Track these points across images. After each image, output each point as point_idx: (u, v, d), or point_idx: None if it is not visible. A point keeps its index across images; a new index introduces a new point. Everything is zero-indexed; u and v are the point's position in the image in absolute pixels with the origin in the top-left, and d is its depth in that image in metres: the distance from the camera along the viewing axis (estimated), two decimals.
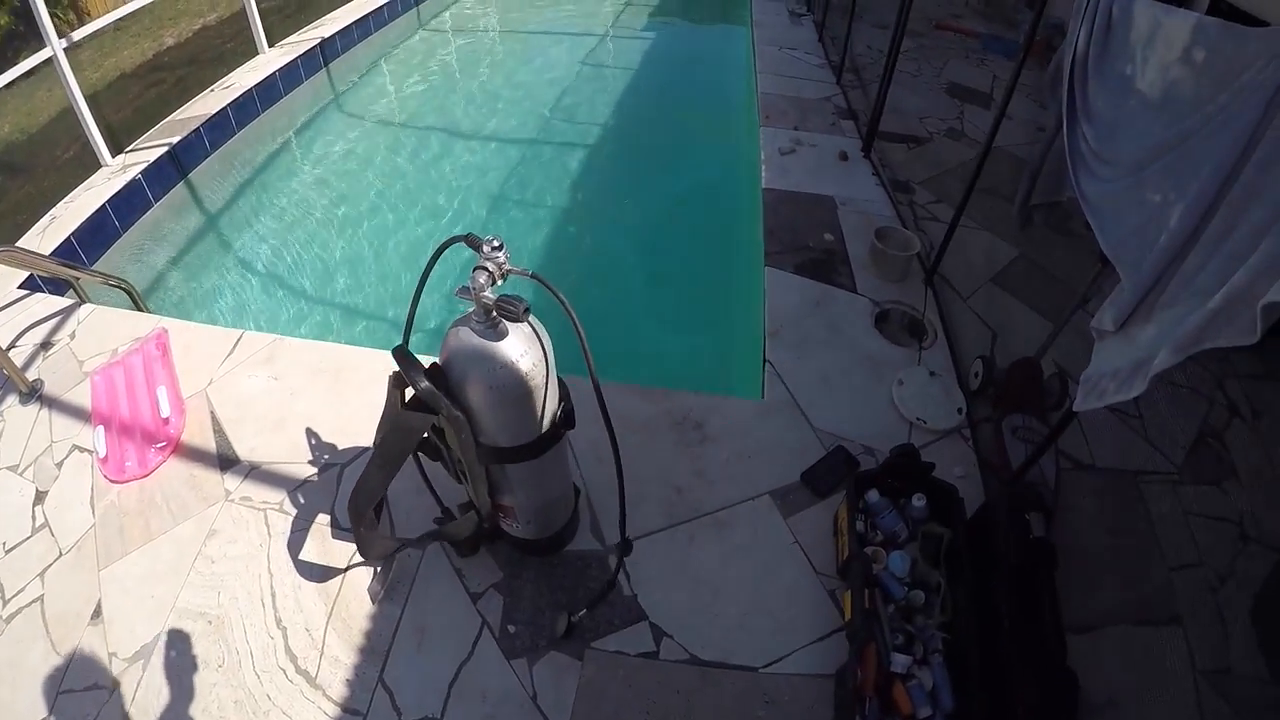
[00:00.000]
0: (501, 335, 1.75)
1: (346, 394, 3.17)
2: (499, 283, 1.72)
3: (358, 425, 3.04)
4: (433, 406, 1.79)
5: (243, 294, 4.62)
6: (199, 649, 2.40)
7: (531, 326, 1.81)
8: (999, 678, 2.07)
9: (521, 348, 1.78)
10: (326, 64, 7.25)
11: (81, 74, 6.93)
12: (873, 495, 2.46)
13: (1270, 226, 1.35)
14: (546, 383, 1.86)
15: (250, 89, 6.03)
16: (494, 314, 1.71)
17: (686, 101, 6.96)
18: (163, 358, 3.35)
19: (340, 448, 2.95)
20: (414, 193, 5.55)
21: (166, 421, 3.05)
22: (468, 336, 1.77)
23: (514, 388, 1.79)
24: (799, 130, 5.11)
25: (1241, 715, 2.06)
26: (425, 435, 1.98)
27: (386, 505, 2.64)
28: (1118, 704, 2.15)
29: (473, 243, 1.69)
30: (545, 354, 1.84)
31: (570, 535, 2.53)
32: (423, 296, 1.88)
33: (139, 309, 3.88)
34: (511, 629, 2.36)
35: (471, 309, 1.77)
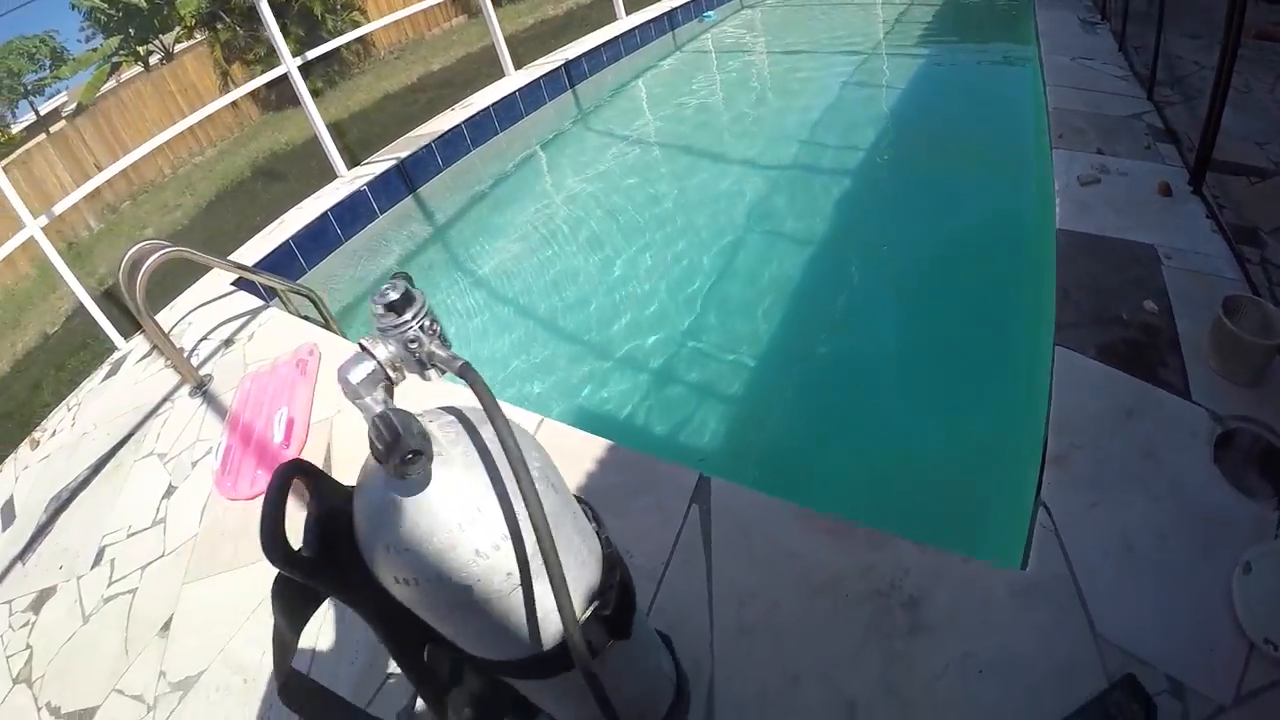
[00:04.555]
0: (418, 486, 0.88)
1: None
2: (426, 375, 0.97)
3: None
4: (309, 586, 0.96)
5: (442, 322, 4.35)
6: (225, 707, 2.14)
7: (492, 470, 0.93)
8: None
9: (459, 513, 0.89)
10: (572, 85, 7.18)
11: (354, 96, 7.87)
12: None
13: None
14: (527, 578, 0.95)
15: (487, 107, 6.12)
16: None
17: (962, 126, 5.75)
18: (302, 375, 3.19)
19: None
20: (648, 220, 5.01)
21: (282, 446, 2.88)
22: (373, 473, 0.93)
23: (439, 587, 0.91)
24: (1103, 155, 3.82)
25: None
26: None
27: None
28: None
29: (381, 296, 0.92)
30: (516, 527, 0.92)
31: None
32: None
33: (324, 320, 3.84)
34: None
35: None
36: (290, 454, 2.80)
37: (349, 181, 5.09)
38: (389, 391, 0.92)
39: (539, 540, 0.89)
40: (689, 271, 4.26)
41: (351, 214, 4.94)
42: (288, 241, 4.51)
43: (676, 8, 8.99)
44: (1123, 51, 5.86)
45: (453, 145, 5.78)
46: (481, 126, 6.06)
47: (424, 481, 0.87)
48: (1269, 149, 4.11)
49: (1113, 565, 1.87)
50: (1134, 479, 2.09)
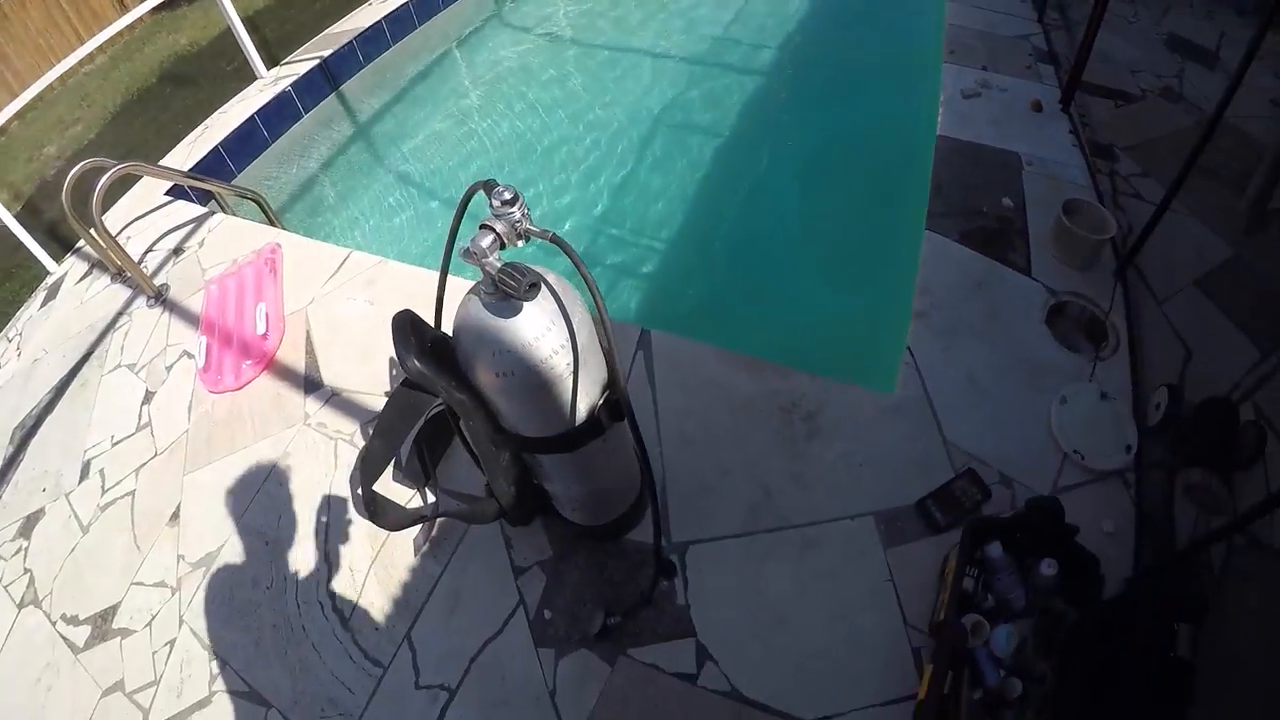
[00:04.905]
0: (513, 311, 1.39)
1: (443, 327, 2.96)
2: (516, 245, 1.36)
3: None
4: (426, 389, 1.50)
5: (373, 212, 4.62)
6: (252, 568, 2.45)
7: (556, 299, 1.44)
8: None
9: (538, 328, 1.41)
10: None
11: None
12: (994, 549, 1.94)
13: None
14: (576, 371, 1.50)
15: (406, 1, 5.96)
16: (499, 288, 1.35)
17: (867, 30, 6.16)
18: (271, 274, 3.38)
19: None
20: (569, 113, 5.21)
21: (264, 337, 3.09)
22: (476, 309, 1.42)
23: (527, 376, 1.44)
24: (987, 70, 4.33)
25: None
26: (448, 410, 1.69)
27: (442, 459, 2.54)
28: None
29: (487, 188, 1.35)
30: (573, 336, 1.46)
31: (632, 523, 2.21)
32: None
33: (269, 220, 3.97)
34: (547, 614, 2.14)
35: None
36: (272, 343, 3.05)
37: (272, 83, 5.02)
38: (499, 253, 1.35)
39: (576, 356, 1.46)
40: (605, 161, 4.65)
41: (278, 115, 4.88)
42: (217, 147, 4.46)
43: None
44: None
45: (374, 41, 5.69)
46: (401, 21, 5.94)
47: (519, 308, 1.36)
48: (1141, 76, 4.64)
49: (960, 392, 2.52)
50: (980, 333, 2.72)
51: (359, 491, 1.81)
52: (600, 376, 1.61)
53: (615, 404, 1.61)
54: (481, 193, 1.36)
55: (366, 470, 1.56)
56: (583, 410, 1.59)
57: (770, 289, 3.71)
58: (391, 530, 1.66)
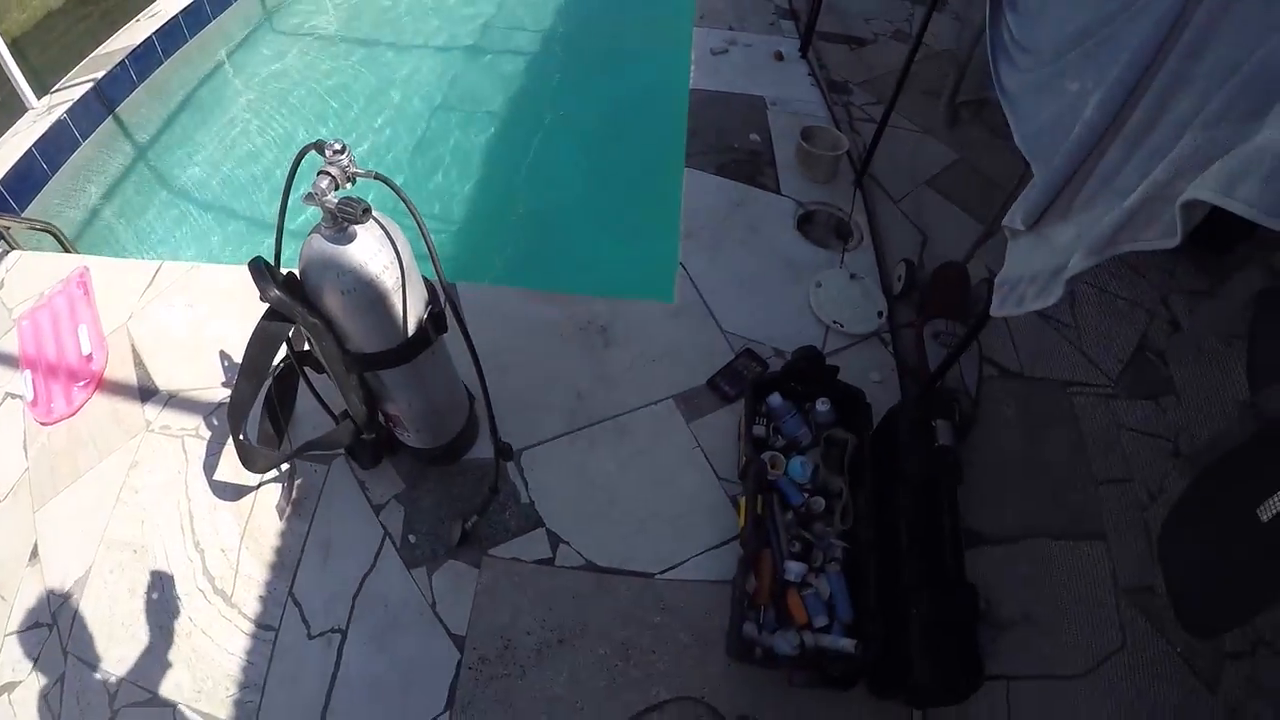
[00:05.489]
0: (349, 239, 1.72)
1: (258, 313, 3.07)
2: (346, 187, 1.68)
3: None
4: (287, 315, 1.79)
5: (171, 224, 4.59)
6: (126, 579, 2.47)
7: (382, 227, 1.78)
8: (896, 589, 2.05)
9: (370, 250, 1.75)
10: None
11: (7, 16, 6.75)
12: (775, 399, 2.43)
13: (1195, 118, 1.18)
14: (404, 285, 1.84)
15: (176, 15, 5.82)
16: (339, 219, 1.67)
17: (629, 8, 6.69)
18: (85, 296, 3.36)
19: None
20: (349, 107, 5.40)
21: (89, 359, 3.08)
22: (319, 244, 1.74)
23: (366, 291, 1.78)
24: (734, 30, 4.90)
25: (1164, 631, 2.02)
26: (304, 348, 2.00)
27: (290, 422, 2.69)
28: (1033, 619, 2.12)
29: (319, 147, 1.65)
30: (398, 255, 1.81)
31: (468, 443, 2.55)
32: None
33: (66, 250, 3.86)
34: (412, 539, 2.41)
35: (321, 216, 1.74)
36: (99, 362, 3.06)
37: (45, 112, 4.81)
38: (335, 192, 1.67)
39: (402, 271, 1.81)
40: (392, 151, 4.94)
41: (56, 146, 4.70)
42: None
43: None
44: None
45: (145, 59, 5.53)
46: (172, 35, 5.78)
47: (354, 235, 1.69)
48: (874, 23, 5.32)
49: (730, 291, 3.06)
50: (741, 243, 3.28)
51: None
52: (424, 294, 1.97)
53: (438, 316, 1.98)
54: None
55: (234, 414, 1.86)
56: (412, 324, 1.94)
57: (560, 238, 4.20)
58: (262, 473, 1.94)
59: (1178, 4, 1.31)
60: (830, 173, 3.59)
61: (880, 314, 2.96)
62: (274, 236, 1.89)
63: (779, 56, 4.60)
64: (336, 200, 1.64)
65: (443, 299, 1.99)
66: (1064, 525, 2.25)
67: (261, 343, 1.90)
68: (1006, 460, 2.51)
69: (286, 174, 1.77)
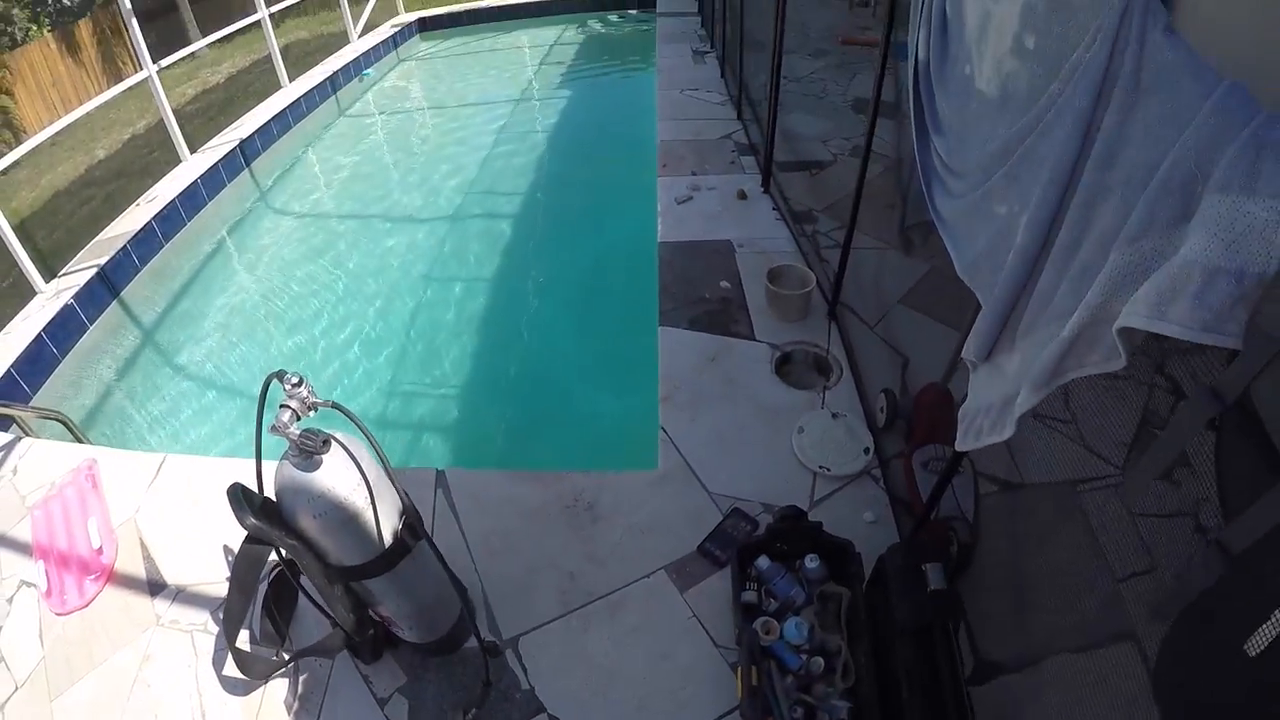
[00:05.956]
0: (315, 466, 1.82)
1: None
2: (309, 415, 1.79)
3: None
4: (266, 540, 1.90)
5: (177, 405, 4.74)
6: None
7: (346, 450, 1.88)
8: None
9: (337, 474, 1.85)
10: (249, 163, 7.44)
11: (18, 194, 7.10)
12: (763, 562, 2.44)
13: (1119, 231, 1.13)
14: (374, 502, 1.92)
15: (173, 200, 6.17)
16: (302, 451, 1.78)
17: (603, 157, 7.07)
18: (94, 489, 3.46)
19: None
20: (341, 282, 5.68)
21: (99, 552, 3.15)
22: (289, 471, 1.85)
23: (338, 513, 1.87)
24: (696, 175, 5.12)
25: None
26: (289, 559, 2.05)
27: (291, 621, 2.73)
28: None
29: (280, 378, 1.75)
30: (363, 476, 1.90)
31: (464, 634, 2.57)
32: None
33: (76, 439, 3.96)
34: None
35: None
36: (109, 556, 3.13)
37: (53, 296, 5.02)
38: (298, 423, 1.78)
39: (369, 490, 1.90)
40: (386, 326, 5.18)
41: (64, 330, 4.90)
42: (9, 370, 4.41)
43: (337, 70, 9.53)
44: (724, 79, 7.12)
45: (146, 243, 5.83)
46: (170, 219, 6.13)
47: (319, 463, 1.80)
48: (831, 143, 5.50)
49: (713, 450, 3.14)
50: (721, 398, 3.38)
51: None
52: (396, 504, 2.06)
53: (411, 525, 2.07)
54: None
55: (229, 625, 1.98)
56: (388, 535, 2.03)
57: (542, 408, 4.36)
58: (260, 679, 2.02)
59: (1087, 111, 1.26)
60: (803, 310, 3.69)
61: (867, 450, 2.98)
62: (255, 465, 1.97)
63: (742, 195, 4.79)
64: (299, 433, 1.75)
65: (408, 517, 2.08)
66: (1085, 634, 2.11)
67: (247, 562, 2.01)
68: (1016, 578, 2.45)
69: (257, 404, 1.85)
